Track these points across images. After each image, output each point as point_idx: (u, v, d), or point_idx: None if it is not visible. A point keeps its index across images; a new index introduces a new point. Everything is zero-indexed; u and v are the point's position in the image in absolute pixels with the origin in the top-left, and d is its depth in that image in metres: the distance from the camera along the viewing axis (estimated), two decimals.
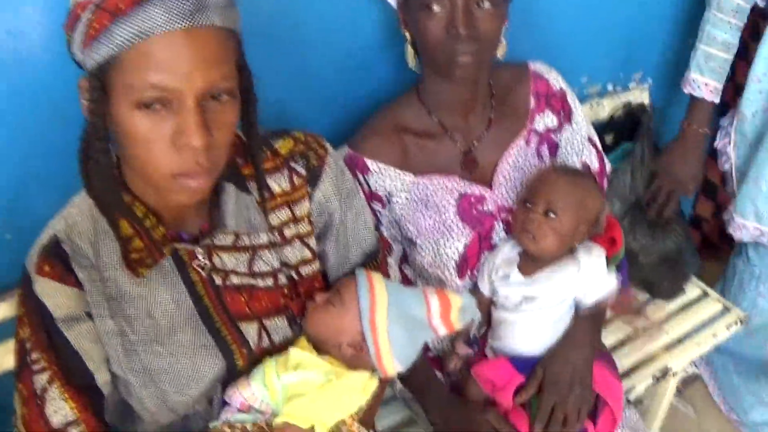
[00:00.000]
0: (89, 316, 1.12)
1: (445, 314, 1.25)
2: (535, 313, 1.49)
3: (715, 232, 2.95)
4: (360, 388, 1.23)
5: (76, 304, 1.11)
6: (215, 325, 1.18)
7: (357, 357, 1.23)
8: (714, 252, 2.95)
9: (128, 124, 0.96)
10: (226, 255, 1.19)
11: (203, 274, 1.18)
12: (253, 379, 1.21)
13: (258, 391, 1.19)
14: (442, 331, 1.26)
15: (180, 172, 0.99)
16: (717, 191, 2.76)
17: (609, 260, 1.52)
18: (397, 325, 1.22)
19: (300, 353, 1.22)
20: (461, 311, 1.27)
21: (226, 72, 0.97)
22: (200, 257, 1.17)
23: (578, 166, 1.62)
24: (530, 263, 1.50)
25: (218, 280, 1.19)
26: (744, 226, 2.03)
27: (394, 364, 1.24)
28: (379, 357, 1.22)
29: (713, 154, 2.22)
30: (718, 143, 2.05)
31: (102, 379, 1.14)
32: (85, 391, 1.13)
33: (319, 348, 1.25)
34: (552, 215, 1.44)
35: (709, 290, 2.24)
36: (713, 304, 2.20)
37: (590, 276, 1.46)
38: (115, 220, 1.11)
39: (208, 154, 0.98)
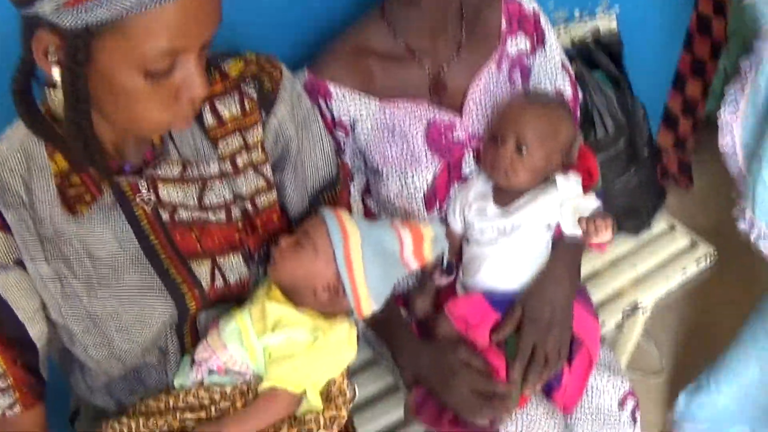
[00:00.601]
0: (19, 263, 1.06)
1: (418, 247, 1.21)
2: (511, 246, 1.45)
3: (674, 164, 2.94)
4: (347, 340, 1.19)
5: (4, 251, 1.05)
6: (163, 265, 1.12)
7: (333, 301, 1.19)
8: (674, 184, 2.96)
9: (128, 88, 0.91)
10: (173, 187, 1.13)
11: (148, 209, 1.11)
12: (228, 340, 1.16)
13: (237, 353, 1.15)
14: (414, 265, 1.22)
15: (176, 120, 0.97)
16: (678, 122, 2.74)
17: (585, 192, 1.46)
18: (372, 262, 1.17)
19: (278, 308, 1.17)
20: (433, 243, 1.23)
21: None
22: (144, 191, 1.10)
23: (553, 93, 1.57)
24: (505, 195, 1.46)
25: (165, 216, 1.12)
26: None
27: (371, 303, 1.20)
28: (357, 298, 1.18)
29: (675, 84, 2.14)
30: (725, 114, 1.83)
31: (35, 330, 1.09)
32: (15, 343, 1.08)
33: (291, 296, 1.20)
34: (523, 150, 1.40)
35: (677, 224, 2.22)
36: (681, 238, 2.19)
37: (570, 197, 1.41)
38: (51, 152, 1.05)
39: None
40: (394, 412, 1.69)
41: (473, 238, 1.49)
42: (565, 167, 1.47)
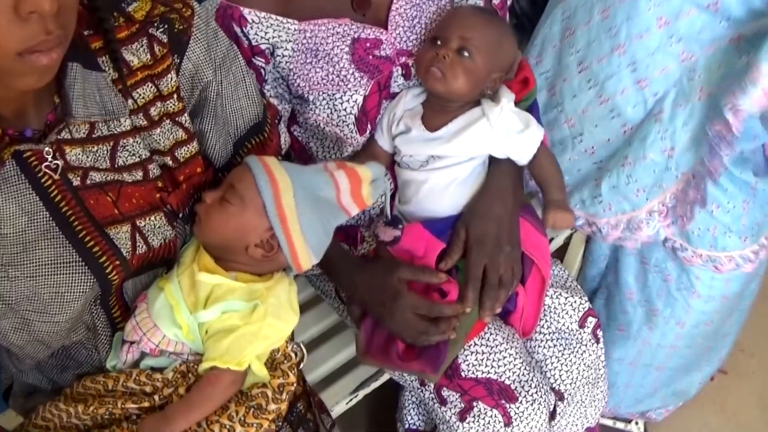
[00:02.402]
0: None
1: (356, 191, 1.18)
2: (443, 172, 1.42)
3: None
4: (288, 302, 1.16)
5: None
6: (78, 236, 1.07)
7: (268, 258, 1.15)
8: None
9: None
10: (81, 150, 1.07)
11: (56, 176, 1.05)
12: (159, 319, 1.12)
13: (170, 333, 1.13)
14: (354, 210, 1.19)
15: (27, 47, 0.88)
16: None
17: (520, 103, 1.45)
18: (307, 212, 1.13)
19: (209, 278, 1.13)
20: (372, 184, 1.20)
21: None
22: (49, 157, 1.04)
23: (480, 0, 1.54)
24: (435, 115, 1.42)
25: (76, 181, 1.06)
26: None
27: (310, 257, 1.16)
28: (294, 251, 1.14)
29: None
30: None
31: None
32: None
33: (221, 256, 1.16)
34: (465, 54, 1.36)
35: None
36: None
37: (505, 130, 1.38)
38: None
39: (59, 20, 0.89)
40: (341, 353, 1.68)
41: (404, 162, 1.46)
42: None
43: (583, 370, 1.49)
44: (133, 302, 1.16)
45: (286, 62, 1.40)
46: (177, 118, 1.15)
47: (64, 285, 1.06)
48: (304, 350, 1.26)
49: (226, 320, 1.11)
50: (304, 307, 1.72)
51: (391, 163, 1.49)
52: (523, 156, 1.40)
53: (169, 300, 1.12)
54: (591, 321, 1.51)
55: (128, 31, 1.10)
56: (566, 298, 1.51)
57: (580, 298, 1.52)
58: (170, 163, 1.16)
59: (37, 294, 1.05)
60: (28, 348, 1.11)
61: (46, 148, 1.03)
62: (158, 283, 1.15)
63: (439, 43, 1.38)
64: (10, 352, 1.15)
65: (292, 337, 1.25)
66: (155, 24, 1.11)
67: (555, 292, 1.51)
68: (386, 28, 1.44)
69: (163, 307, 1.12)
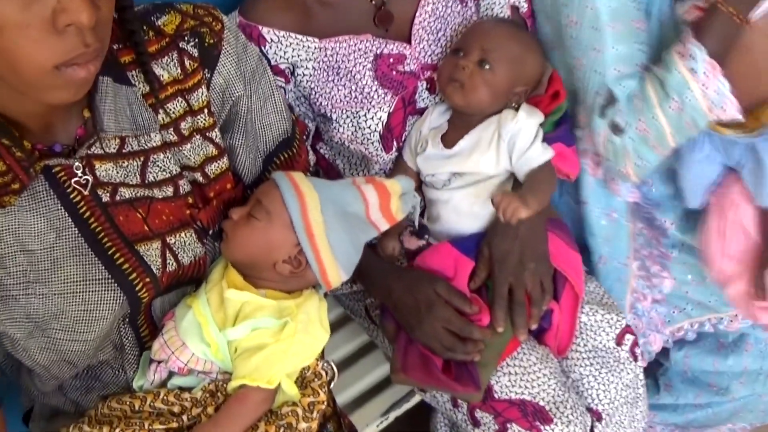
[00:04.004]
0: None
1: (385, 205, 1.18)
2: (467, 190, 1.43)
3: None
4: (318, 319, 1.17)
5: None
6: (108, 252, 1.08)
7: (296, 275, 1.16)
8: None
9: None
10: (111, 165, 1.08)
11: (85, 192, 1.06)
12: (187, 337, 1.13)
13: (198, 351, 1.13)
14: (384, 226, 1.20)
15: (64, 60, 0.88)
16: None
17: (548, 117, 1.46)
18: (335, 227, 1.14)
19: (238, 295, 1.14)
20: (402, 199, 1.20)
21: None
22: (79, 172, 1.05)
23: (507, 8, 1.56)
24: (456, 131, 1.44)
25: (105, 197, 1.08)
26: None
27: (339, 274, 1.17)
28: (322, 268, 1.15)
29: None
30: None
31: None
32: None
33: (250, 273, 1.17)
34: (486, 66, 1.39)
35: None
36: None
37: (513, 144, 1.39)
38: None
39: (96, 32, 0.89)
40: (372, 374, 1.69)
41: (427, 182, 1.48)
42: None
43: (621, 390, 1.48)
44: (161, 321, 1.17)
45: (308, 81, 1.42)
46: (207, 134, 1.17)
47: (93, 302, 1.07)
48: (335, 368, 1.27)
49: (256, 338, 1.12)
50: (333, 327, 1.71)
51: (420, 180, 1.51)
52: (520, 174, 1.40)
53: (197, 317, 1.13)
54: (629, 338, 1.50)
55: (158, 45, 1.12)
56: (602, 315, 1.50)
57: (617, 314, 1.51)
58: (200, 179, 1.17)
59: (65, 312, 1.06)
60: (54, 368, 1.11)
61: (76, 164, 1.04)
62: (186, 300, 1.16)
63: (461, 54, 1.41)
64: (33, 373, 1.15)
65: (322, 355, 1.25)
66: (185, 38, 1.13)
67: (590, 309, 1.51)
68: (410, 43, 1.47)
69: (191, 324, 1.13)
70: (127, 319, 1.14)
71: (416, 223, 1.39)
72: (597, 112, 1.45)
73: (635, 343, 1.51)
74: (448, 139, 1.44)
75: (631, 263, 1.66)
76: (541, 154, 1.39)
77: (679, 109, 1.35)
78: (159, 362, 1.15)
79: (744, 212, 1.54)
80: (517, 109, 1.42)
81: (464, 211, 1.45)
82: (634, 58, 1.43)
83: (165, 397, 1.13)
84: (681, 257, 1.69)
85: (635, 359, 1.51)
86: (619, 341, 1.50)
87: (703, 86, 1.32)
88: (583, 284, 1.48)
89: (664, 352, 1.80)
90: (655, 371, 1.88)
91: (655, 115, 1.38)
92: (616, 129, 1.44)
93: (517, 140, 1.39)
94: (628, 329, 1.51)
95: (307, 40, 1.41)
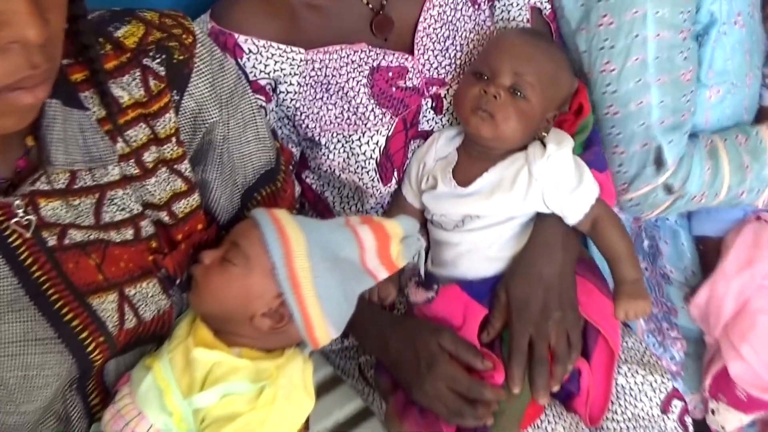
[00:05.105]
0: None
1: (384, 250, 1.19)
2: (484, 232, 1.45)
3: None
4: (302, 384, 1.17)
5: None
6: (54, 306, 1.08)
7: (277, 331, 1.17)
8: None
9: None
10: (59, 203, 1.08)
11: (27, 234, 1.06)
12: (145, 404, 1.13)
13: (159, 422, 1.13)
14: (382, 274, 1.21)
15: (7, 84, 0.88)
16: None
17: (574, 136, 1.48)
18: (324, 275, 1.15)
19: (207, 354, 1.14)
20: (403, 242, 1.21)
21: None
22: (20, 211, 1.05)
23: (526, 10, 1.59)
24: (471, 164, 1.45)
25: (52, 240, 1.08)
26: None
27: (328, 330, 1.18)
28: (309, 323, 1.16)
29: None
30: None
31: None
32: None
33: (222, 329, 1.18)
34: (519, 93, 1.39)
35: None
36: None
37: (551, 184, 1.40)
38: None
39: (46, 50, 0.89)
40: None
41: (434, 220, 1.49)
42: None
43: None
44: (115, 386, 1.16)
45: (292, 99, 1.44)
46: (175, 166, 1.17)
47: (35, 367, 1.07)
48: None
49: (228, 405, 1.11)
50: (321, 391, 1.71)
51: (424, 219, 1.52)
52: (570, 216, 1.42)
53: (157, 382, 1.13)
54: (677, 405, 1.51)
55: (117, 60, 1.12)
56: (644, 377, 1.51)
57: (662, 376, 1.51)
58: (166, 219, 1.18)
59: (1, 379, 1.06)
60: None
61: (17, 201, 1.04)
62: (145, 361, 1.16)
63: (485, 78, 1.40)
64: None
65: (307, 426, 1.26)
66: (150, 53, 1.14)
67: (629, 368, 1.51)
68: (412, 53, 1.49)
69: (150, 390, 1.13)
70: (75, 385, 1.14)
71: (422, 272, 1.40)
72: (653, 168, 1.56)
73: (685, 411, 1.52)
74: (462, 175, 1.45)
75: None
76: (591, 190, 1.40)
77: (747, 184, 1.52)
78: None
79: None
80: (542, 139, 1.43)
81: (479, 255, 1.46)
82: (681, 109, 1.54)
83: None
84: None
85: (685, 430, 1.51)
86: (665, 408, 1.50)
87: None
88: (619, 338, 1.49)
89: None
90: None
91: (718, 192, 1.53)
92: (669, 190, 1.55)
93: (557, 180, 1.39)
94: (675, 393, 1.51)
95: (292, 50, 1.42)
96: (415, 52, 1.49)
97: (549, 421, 1.43)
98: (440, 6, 1.50)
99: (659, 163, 1.55)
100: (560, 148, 1.40)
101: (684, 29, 1.51)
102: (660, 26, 1.49)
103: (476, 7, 1.54)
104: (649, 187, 1.57)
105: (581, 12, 1.55)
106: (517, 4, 1.58)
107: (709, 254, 1.81)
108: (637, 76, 1.52)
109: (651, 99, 1.53)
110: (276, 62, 1.42)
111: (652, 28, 1.49)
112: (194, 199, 1.21)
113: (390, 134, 1.47)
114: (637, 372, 1.51)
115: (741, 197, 1.61)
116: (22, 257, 1.06)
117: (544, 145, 1.41)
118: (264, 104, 1.43)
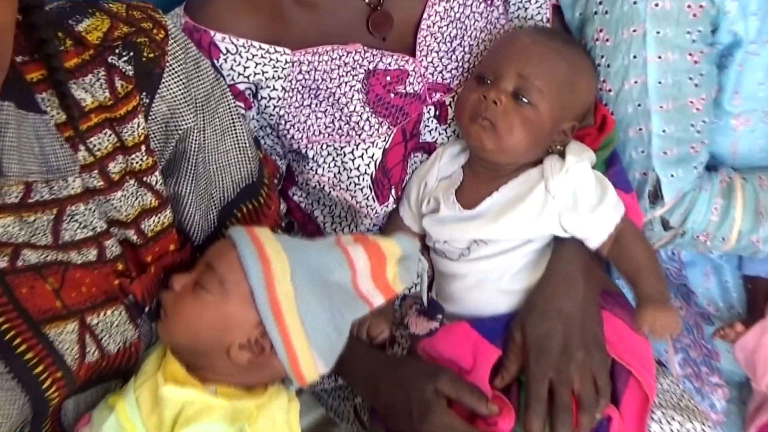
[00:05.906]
0: None
1: (379, 272, 1.21)
2: (494, 260, 1.45)
3: None
4: (286, 425, 1.19)
5: None
6: (4, 337, 1.09)
7: (258, 365, 1.18)
8: None
9: None
10: (12, 219, 1.10)
11: None
12: None
13: None
14: (377, 299, 1.22)
15: None
16: None
17: (597, 153, 1.48)
18: (310, 301, 1.17)
19: (178, 392, 1.16)
20: (402, 264, 1.22)
21: None
22: None
23: (547, 8, 1.59)
24: (478, 183, 1.46)
25: (3, 262, 1.09)
26: None
27: (316, 364, 1.19)
28: (293, 355, 1.17)
29: None
30: None
31: None
32: None
33: (194, 364, 1.19)
34: (524, 100, 1.39)
35: None
36: None
37: (570, 203, 1.40)
38: None
39: None
40: None
41: (437, 248, 1.49)
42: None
43: None
44: (74, 427, 1.17)
45: (275, 106, 1.44)
46: (144, 178, 1.19)
47: None
48: None
49: None
50: None
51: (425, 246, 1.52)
52: (592, 238, 1.42)
53: (121, 422, 1.14)
54: None
55: (78, 58, 1.14)
56: (681, 423, 1.49)
57: (702, 423, 1.50)
58: (134, 238, 1.19)
59: None
60: None
61: None
62: (108, 399, 1.17)
63: (488, 82, 1.40)
64: None
65: None
66: (116, 50, 1.15)
67: (664, 414, 1.49)
68: (413, 55, 1.49)
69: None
70: (28, 427, 1.14)
71: (425, 299, 1.41)
72: (646, 201, 1.58)
73: None
74: (467, 197, 1.45)
75: (671, 356, 1.72)
76: (615, 208, 1.40)
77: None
78: None
79: None
80: (561, 153, 1.43)
81: (489, 288, 1.46)
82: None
83: None
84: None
85: None
86: None
87: None
88: (654, 381, 1.48)
89: None
90: None
91: (726, 236, 1.56)
92: (666, 225, 1.57)
93: (576, 196, 1.40)
94: None
95: (276, 51, 1.43)
96: (417, 53, 1.50)
97: None
98: (447, 1, 1.51)
99: (655, 196, 1.57)
100: (581, 161, 1.40)
101: (694, 51, 1.52)
102: (662, 47, 1.49)
103: (489, 3, 1.55)
104: (646, 218, 1.58)
105: (578, 21, 1.57)
106: (536, 1, 1.59)
107: (759, 295, 1.80)
108: (636, 101, 1.53)
109: (651, 126, 1.54)
110: (257, 64, 1.42)
111: (652, 49, 1.50)
112: (166, 215, 1.22)
113: (387, 146, 1.47)
114: (673, 418, 1.49)
115: (758, 246, 1.61)
116: None
117: (562, 157, 1.42)
118: (243, 112, 1.43)
